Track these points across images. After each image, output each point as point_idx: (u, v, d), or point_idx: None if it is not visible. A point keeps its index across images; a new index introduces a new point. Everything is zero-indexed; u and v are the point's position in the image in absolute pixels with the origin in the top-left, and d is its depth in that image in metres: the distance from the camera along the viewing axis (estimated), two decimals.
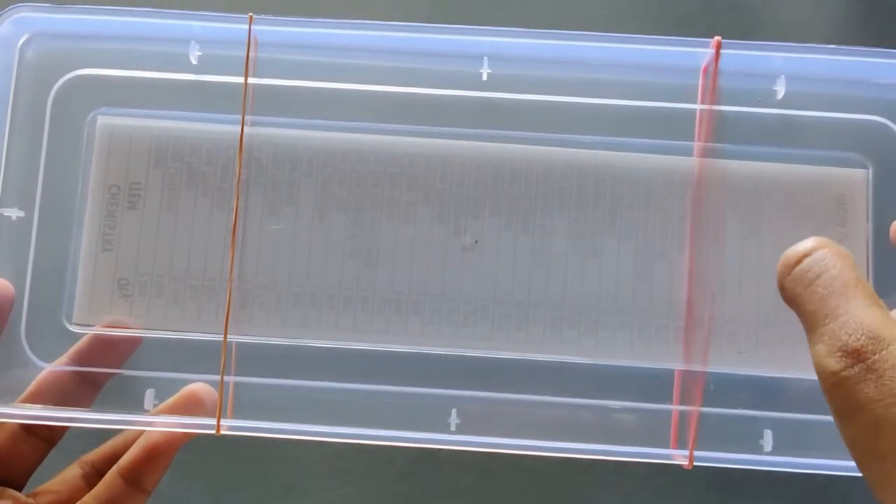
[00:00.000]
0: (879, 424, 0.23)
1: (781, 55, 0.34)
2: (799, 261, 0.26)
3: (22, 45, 0.35)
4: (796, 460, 0.32)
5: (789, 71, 0.34)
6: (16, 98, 0.34)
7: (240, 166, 0.34)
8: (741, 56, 0.34)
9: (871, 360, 0.23)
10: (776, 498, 0.44)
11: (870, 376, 0.23)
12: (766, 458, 0.32)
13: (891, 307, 0.32)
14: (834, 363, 0.24)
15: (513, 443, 0.32)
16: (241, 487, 0.44)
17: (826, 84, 0.34)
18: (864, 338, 0.23)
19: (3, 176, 0.34)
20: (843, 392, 0.23)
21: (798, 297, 0.26)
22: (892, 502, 0.23)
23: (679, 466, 0.32)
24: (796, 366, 0.33)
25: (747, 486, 0.44)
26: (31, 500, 0.32)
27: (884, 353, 0.23)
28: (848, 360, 0.23)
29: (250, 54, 0.34)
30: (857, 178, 0.34)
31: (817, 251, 0.26)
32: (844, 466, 0.31)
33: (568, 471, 0.44)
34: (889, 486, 0.23)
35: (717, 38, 0.33)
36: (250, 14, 0.34)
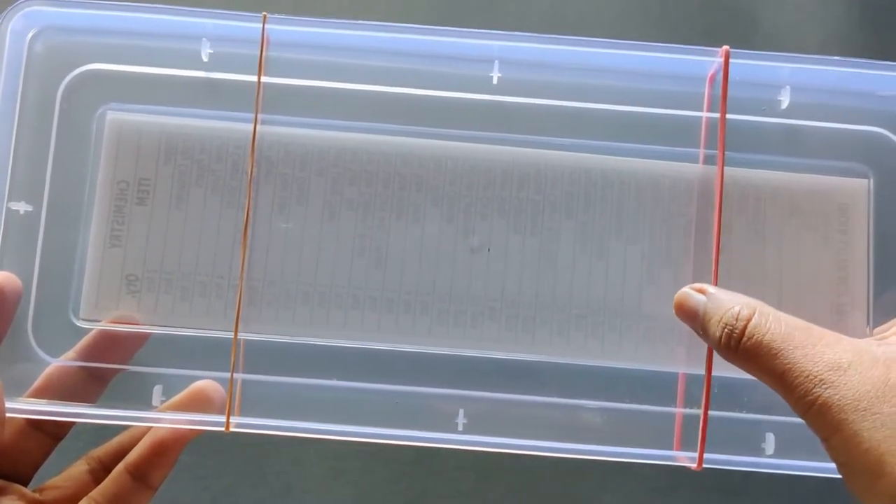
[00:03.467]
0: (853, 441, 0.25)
1: (787, 66, 0.35)
2: (739, 342, 0.28)
3: (31, 39, 0.35)
4: (797, 463, 0.32)
5: (794, 81, 0.35)
6: (25, 92, 0.34)
7: (252, 164, 0.34)
8: (747, 66, 0.34)
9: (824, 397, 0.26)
10: (775, 499, 0.44)
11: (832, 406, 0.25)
12: (768, 461, 0.33)
13: (890, 312, 0.33)
14: (803, 406, 0.26)
15: (519, 443, 0.33)
16: (241, 487, 0.44)
17: (829, 95, 0.35)
18: (816, 380, 0.26)
19: (12, 170, 0.34)
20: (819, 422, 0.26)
21: (755, 371, 0.28)
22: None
23: (678, 467, 0.33)
24: None
25: (747, 487, 0.45)
26: (37, 496, 0.32)
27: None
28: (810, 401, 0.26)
29: (261, 53, 0.34)
30: (859, 187, 0.35)
31: (748, 329, 0.28)
32: None
33: (567, 471, 0.45)
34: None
35: (726, 47, 0.34)
36: (264, 13, 0.34)
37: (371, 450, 0.45)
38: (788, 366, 0.26)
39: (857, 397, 0.25)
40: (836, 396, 0.25)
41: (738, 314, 0.28)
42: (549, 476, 0.45)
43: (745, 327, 0.27)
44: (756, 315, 0.28)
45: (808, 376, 0.26)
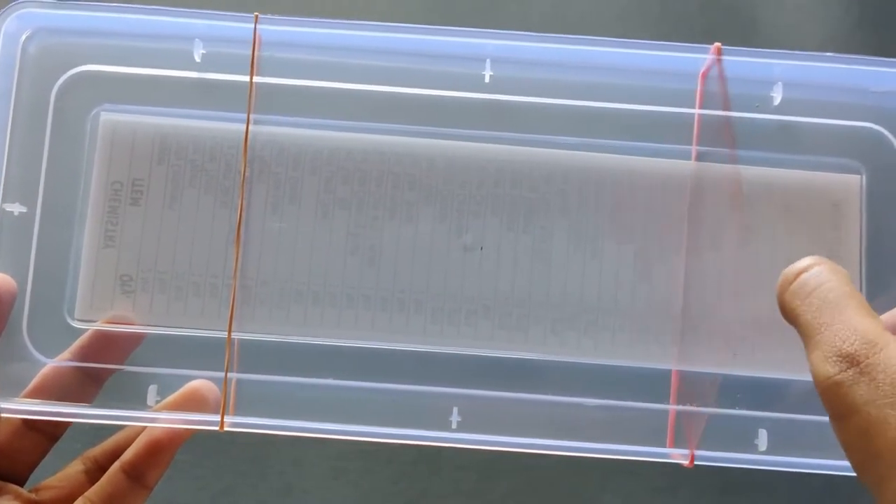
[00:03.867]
0: (873, 425, 0.23)
1: (779, 62, 0.35)
2: (797, 277, 0.27)
3: (25, 40, 0.35)
4: (791, 460, 0.32)
5: (786, 78, 0.35)
6: (18, 93, 0.34)
7: (245, 164, 0.34)
8: (740, 62, 0.35)
9: (864, 364, 0.24)
10: (774, 499, 0.45)
11: (863, 379, 0.24)
12: (761, 458, 0.33)
13: (884, 308, 0.33)
14: (829, 367, 0.24)
15: (513, 441, 0.33)
16: (241, 487, 0.44)
17: (822, 91, 0.35)
18: (857, 343, 0.24)
19: (6, 171, 0.34)
20: (838, 395, 0.24)
21: (796, 310, 0.27)
22: (888, 501, 0.23)
23: (678, 467, 0.33)
24: (791, 367, 0.33)
25: (746, 486, 0.45)
26: (32, 496, 0.32)
27: (876, 356, 0.24)
28: (842, 364, 0.24)
29: (253, 53, 0.34)
30: (852, 183, 0.35)
31: (814, 268, 0.27)
32: (838, 466, 0.31)
33: (568, 471, 0.45)
34: (884, 485, 0.23)
35: (718, 44, 0.34)
36: (256, 13, 0.34)
37: (371, 450, 0.45)
38: (825, 320, 0.25)
39: (891, 381, 0.24)
40: (868, 373, 0.24)
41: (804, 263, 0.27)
42: (549, 476, 0.45)
43: (807, 269, 0.27)
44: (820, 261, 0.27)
45: (843, 341, 0.25)
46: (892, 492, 0.23)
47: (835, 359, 0.25)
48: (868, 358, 0.24)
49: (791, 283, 0.27)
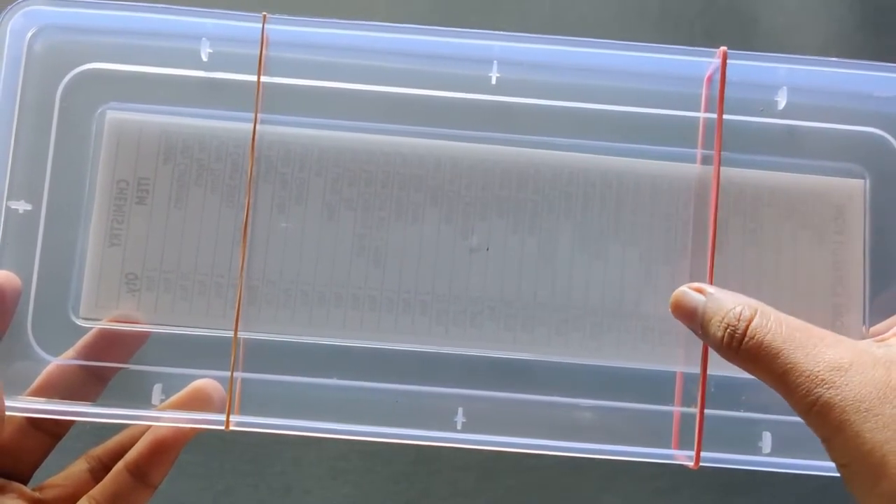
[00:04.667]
0: (853, 442, 0.25)
1: (784, 66, 0.35)
2: (740, 344, 0.28)
3: (31, 38, 0.35)
4: (794, 461, 0.32)
5: (791, 82, 0.35)
6: (24, 91, 0.34)
7: (251, 163, 0.34)
8: (745, 66, 0.35)
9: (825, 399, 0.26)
10: (776, 500, 0.45)
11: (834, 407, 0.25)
12: (765, 459, 0.33)
13: (887, 311, 0.33)
14: (804, 406, 0.26)
15: (517, 442, 0.33)
16: (241, 487, 0.44)
17: (826, 96, 0.35)
18: (817, 381, 0.26)
19: (11, 169, 0.34)
20: (819, 423, 0.26)
21: (755, 371, 0.28)
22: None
23: (679, 468, 0.33)
24: None
25: (747, 487, 0.45)
26: (36, 494, 0.32)
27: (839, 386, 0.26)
28: (811, 402, 0.26)
29: (261, 52, 0.34)
30: (855, 188, 0.35)
31: (748, 330, 0.28)
32: None
33: (568, 471, 0.45)
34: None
35: (723, 48, 0.34)
36: (264, 13, 0.34)
37: (371, 450, 0.45)
38: (790, 366, 0.26)
39: (859, 398, 0.25)
40: (839, 397, 0.25)
41: (740, 315, 0.28)
42: (549, 477, 0.45)
43: (747, 328, 0.28)
44: (757, 315, 0.28)
45: (809, 376, 0.26)
46: None
47: (806, 400, 0.27)
48: (828, 390, 0.26)
49: (737, 350, 0.29)
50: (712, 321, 0.29)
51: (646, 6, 0.50)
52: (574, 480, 0.45)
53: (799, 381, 0.26)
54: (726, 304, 0.29)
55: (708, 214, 0.35)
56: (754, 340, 0.27)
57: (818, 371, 0.26)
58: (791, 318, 0.28)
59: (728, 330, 0.28)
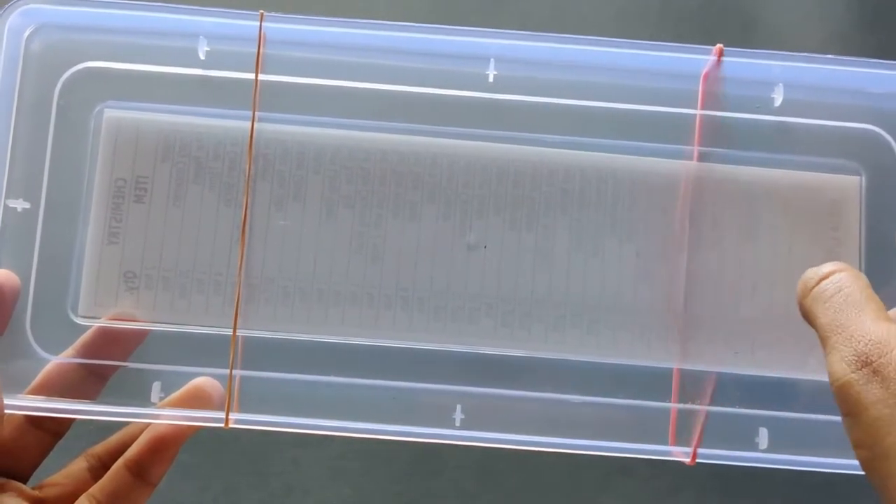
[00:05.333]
0: (882, 423, 0.24)
1: (780, 63, 0.35)
2: (818, 283, 0.28)
3: (28, 36, 0.35)
4: (791, 458, 0.33)
5: (787, 79, 0.35)
6: (22, 89, 0.34)
7: (249, 161, 0.34)
8: (741, 64, 0.35)
9: (876, 364, 0.25)
10: (776, 500, 0.45)
11: (875, 378, 0.24)
12: (762, 456, 0.33)
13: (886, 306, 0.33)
14: (843, 367, 0.25)
15: (516, 438, 0.33)
16: (241, 487, 0.44)
17: (822, 93, 0.35)
18: (870, 344, 0.25)
19: (9, 167, 0.34)
20: (850, 394, 0.25)
21: (815, 313, 0.28)
22: (893, 500, 0.24)
23: (679, 468, 0.33)
24: (791, 366, 0.34)
25: (747, 487, 0.45)
26: (36, 493, 0.32)
27: (888, 356, 0.25)
28: (855, 364, 0.25)
29: (259, 51, 0.34)
30: (851, 184, 0.35)
31: (834, 274, 0.28)
32: (838, 464, 0.32)
33: (568, 471, 0.45)
34: (890, 483, 0.24)
35: (719, 45, 0.34)
36: (261, 11, 0.34)
37: (371, 450, 0.45)
38: (842, 323, 0.26)
39: None
40: (880, 373, 0.25)
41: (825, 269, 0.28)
42: (549, 476, 0.45)
43: (827, 276, 0.28)
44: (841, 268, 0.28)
45: (857, 342, 0.25)
46: None
47: (848, 359, 0.25)
48: (880, 358, 0.25)
49: (812, 288, 0.28)
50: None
51: (647, 4, 0.50)
52: (575, 480, 0.45)
53: (846, 341, 0.26)
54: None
55: (704, 211, 0.35)
56: (830, 288, 0.27)
57: (867, 339, 0.25)
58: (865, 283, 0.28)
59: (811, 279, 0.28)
